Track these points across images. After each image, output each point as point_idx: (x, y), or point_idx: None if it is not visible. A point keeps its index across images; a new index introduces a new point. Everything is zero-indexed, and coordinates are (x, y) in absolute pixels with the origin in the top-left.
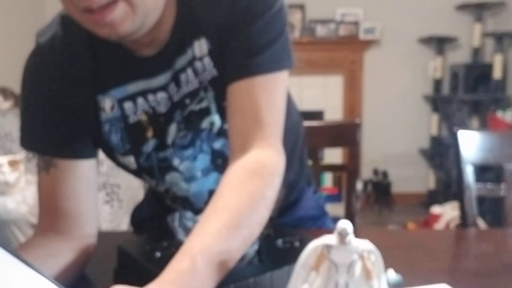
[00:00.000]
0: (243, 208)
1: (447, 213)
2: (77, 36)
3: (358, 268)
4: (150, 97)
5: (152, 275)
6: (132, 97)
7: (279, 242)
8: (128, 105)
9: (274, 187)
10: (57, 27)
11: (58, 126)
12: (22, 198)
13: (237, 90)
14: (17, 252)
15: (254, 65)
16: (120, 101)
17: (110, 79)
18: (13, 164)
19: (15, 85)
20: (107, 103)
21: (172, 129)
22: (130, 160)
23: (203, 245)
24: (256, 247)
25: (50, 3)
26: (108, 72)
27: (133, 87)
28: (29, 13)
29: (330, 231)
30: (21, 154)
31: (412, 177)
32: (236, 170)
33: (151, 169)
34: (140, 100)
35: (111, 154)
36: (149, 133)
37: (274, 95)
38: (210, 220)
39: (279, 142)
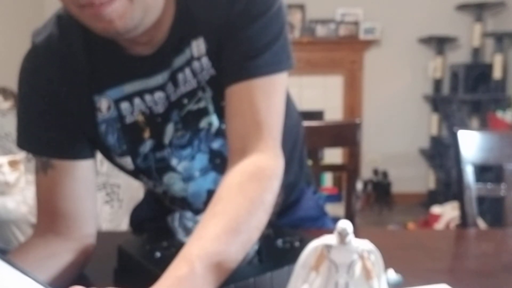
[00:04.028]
0: (241, 212)
1: (447, 213)
2: (73, 36)
3: (358, 268)
4: (147, 97)
5: (152, 275)
6: (129, 97)
7: (279, 242)
8: (124, 106)
9: (273, 191)
10: (53, 27)
11: (54, 126)
12: (22, 198)
13: (236, 92)
14: (9, 258)
15: (253, 67)
16: (117, 102)
17: (107, 79)
18: (13, 164)
19: (15, 85)
20: (103, 103)
21: (169, 129)
22: (127, 161)
23: (201, 250)
24: (256, 247)
25: (50, 3)
26: (105, 72)
27: (129, 87)
28: (29, 13)
29: (330, 231)
30: (21, 154)
31: (412, 177)
32: (235, 174)
33: (148, 170)
34: (136, 101)
35: (108, 155)
36: (146, 134)
37: (273, 97)
38: (209, 225)
39: (278, 145)
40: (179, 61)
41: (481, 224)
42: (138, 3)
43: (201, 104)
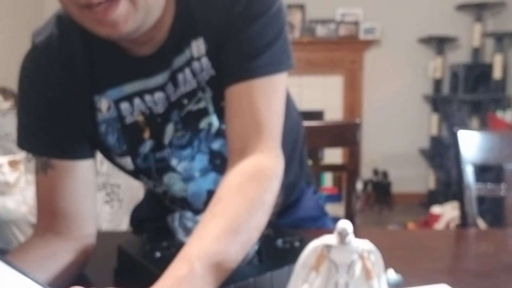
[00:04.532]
0: (241, 213)
1: (447, 213)
2: (73, 36)
3: (358, 268)
4: (147, 97)
5: (152, 275)
6: (129, 98)
7: (279, 242)
8: (124, 106)
9: (272, 191)
10: (53, 27)
11: (54, 127)
12: (22, 198)
13: (236, 93)
14: (8, 259)
15: (253, 67)
16: (117, 102)
17: (107, 79)
18: (13, 164)
19: (15, 85)
20: (103, 103)
21: (169, 129)
22: (127, 161)
23: (201, 250)
24: (256, 247)
25: (50, 3)
26: (105, 72)
27: (129, 87)
28: (29, 13)
29: (330, 231)
30: (21, 154)
31: (412, 177)
32: (235, 174)
33: (148, 170)
34: (136, 101)
35: (108, 155)
36: (146, 134)
37: (273, 98)
38: (209, 225)
39: (278, 145)
40: (179, 61)
41: (481, 224)
42: (141, 6)
43: (201, 105)
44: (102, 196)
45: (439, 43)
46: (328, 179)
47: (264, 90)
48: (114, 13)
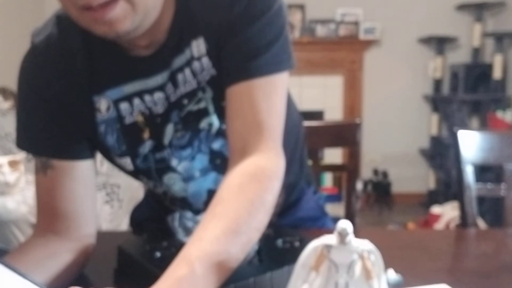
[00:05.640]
0: (242, 213)
1: (447, 213)
2: (72, 36)
3: (358, 268)
4: (147, 97)
5: (152, 275)
6: (128, 98)
7: (279, 242)
8: (124, 106)
9: (273, 192)
10: (53, 27)
11: (54, 127)
12: (22, 198)
13: (237, 93)
14: (6, 261)
15: (253, 67)
16: (116, 102)
17: (106, 79)
18: (13, 164)
19: (15, 85)
20: (102, 103)
21: (169, 129)
22: (127, 162)
23: (201, 251)
24: (256, 247)
25: (50, 3)
26: (104, 72)
27: (129, 88)
28: (29, 13)
29: (330, 231)
30: (21, 154)
31: (412, 177)
32: (236, 175)
33: (148, 170)
34: (136, 101)
35: (108, 155)
36: (146, 134)
37: (274, 97)
38: (209, 226)
39: (278, 145)
40: (178, 61)
41: (481, 224)
42: (139, 6)
43: (201, 105)
44: (102, 196)
45: (439, 43)
46: (328, 179)
47: (265, 90)
48: (111, 12)
